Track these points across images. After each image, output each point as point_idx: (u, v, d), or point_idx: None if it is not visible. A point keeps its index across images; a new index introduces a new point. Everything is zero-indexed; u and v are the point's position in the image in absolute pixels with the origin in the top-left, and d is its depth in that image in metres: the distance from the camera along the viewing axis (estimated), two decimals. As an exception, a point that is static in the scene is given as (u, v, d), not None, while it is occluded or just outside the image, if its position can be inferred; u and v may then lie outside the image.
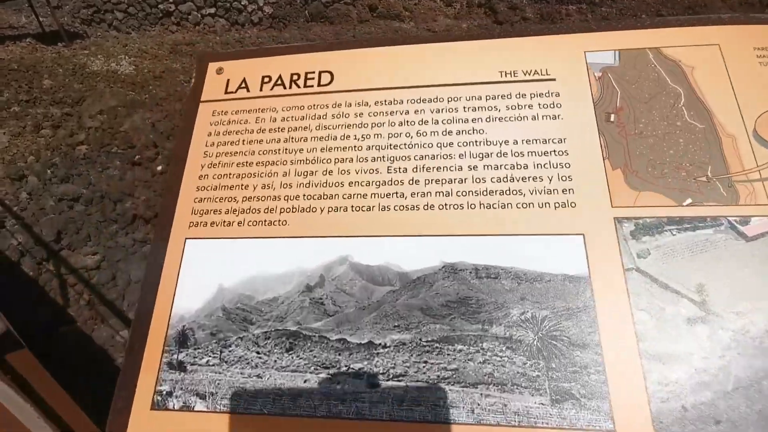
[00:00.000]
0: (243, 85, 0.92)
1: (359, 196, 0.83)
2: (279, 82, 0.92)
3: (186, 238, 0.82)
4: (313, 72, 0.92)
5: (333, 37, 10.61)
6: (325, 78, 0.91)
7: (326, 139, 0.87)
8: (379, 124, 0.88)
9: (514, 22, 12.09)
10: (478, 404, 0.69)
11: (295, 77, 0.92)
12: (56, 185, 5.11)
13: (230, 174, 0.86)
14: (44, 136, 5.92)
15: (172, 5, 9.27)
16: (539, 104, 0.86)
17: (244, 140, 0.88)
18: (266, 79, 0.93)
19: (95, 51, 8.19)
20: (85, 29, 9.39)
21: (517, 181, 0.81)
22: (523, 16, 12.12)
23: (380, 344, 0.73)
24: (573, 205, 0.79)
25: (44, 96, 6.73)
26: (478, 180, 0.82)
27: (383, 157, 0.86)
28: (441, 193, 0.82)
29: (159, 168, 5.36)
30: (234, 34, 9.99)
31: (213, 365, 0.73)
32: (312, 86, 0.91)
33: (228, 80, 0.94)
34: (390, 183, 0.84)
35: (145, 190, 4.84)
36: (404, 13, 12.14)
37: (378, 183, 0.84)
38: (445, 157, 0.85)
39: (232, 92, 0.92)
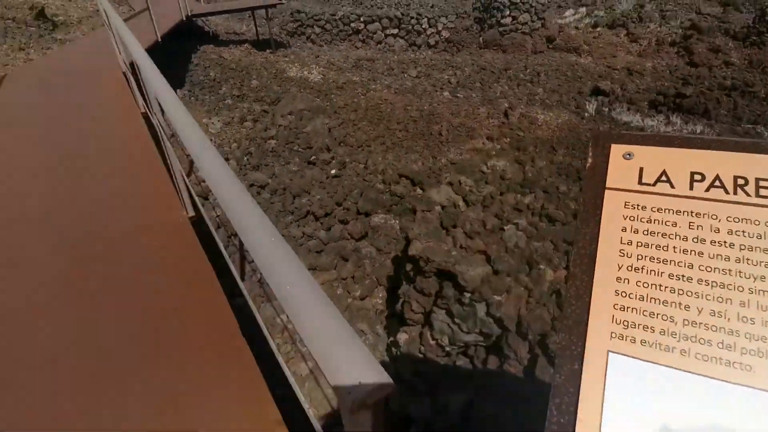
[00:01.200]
0: (664, 178, 0.74)
1: None
2: (717, 183, 0.71)
3: (609, 351, 0.67)
4: (766, 179, 0.71)
5: (503, 64, 10.37)
6: (787, 190, 0.69)
7: (798, 273, 0.64)
8: None
9: (713, 66, 10.44)
10: None
11: (740, 181, 0.71)
12: (250, 172, 5.78)
13: (660, 285, 0.68)
14: (246, 127, 6.79)
15: (362, 24, 10.01)
16: None
17: (675, 247, 0.69)
18: (697, 177, 0.73)
19: (293, 59, 9.21)
20: (288, 40, 10.66)
21: None
22: (726, 60, 10.40)
23: None
24: None
25: (250, 93, 7.74)
26: None
27: None
28: None
29: (333, 172, 5.71)
30: (410, 54, 10.41)
31: None
32: (767, 197, 0.69)
33: (641, 169, 0.77)
34: None
35: (320, 190, 5.17)
36: (583, 47, 11.33)
37: None
38: None
39: (648, 184, 0.75)
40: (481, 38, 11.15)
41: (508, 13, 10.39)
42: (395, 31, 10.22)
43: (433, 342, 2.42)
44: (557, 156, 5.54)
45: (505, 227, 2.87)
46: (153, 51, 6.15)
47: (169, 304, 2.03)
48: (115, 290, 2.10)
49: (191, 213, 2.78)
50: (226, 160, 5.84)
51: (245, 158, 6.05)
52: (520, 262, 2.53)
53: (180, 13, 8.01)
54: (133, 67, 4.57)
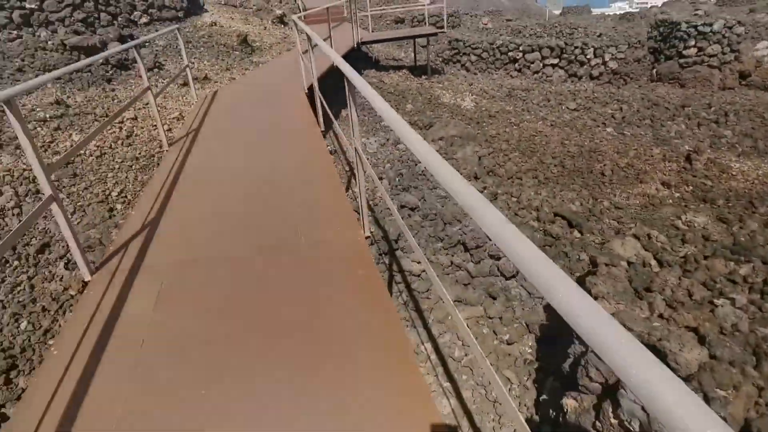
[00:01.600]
0: None
1: None
2: None
3: None
4: None
5: (680, 100, 9.10)
6: None
7: None
8: None
9: None
10: None
11: None
12: (401, 192, 5.94)
13: None
14: (399, 149, 7.03)
15: (520, 54, 9.73)
16: None
17: None
18: None
19: (447, 86, 9.36)
20: (443, 67, 10.90)
21: None
22: None
23: None
24: None
25: (405, 117, 8.04)
26: None
27: None
28: None
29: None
30: (569, 85, 9.79)
31: None
32: None
33: None
34: None
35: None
36: (790, 86, 9.42)
37: None
38: None
39: None
40: (654, 70, 9.99)
41: (693, 43, 9.13)
42: (555, 61, 9.71)
43: (615, 421, 2.06)
44: (758, 214, 4.55)
45: (717, 301, 2.34)
46: (331, 74, 6.75)
47: (349, 320, 2.06)
48: (302, 298, 2.22)
49: (367, 233, 2.86)
50: (381, 179, 6.06)
51: (397, 179, 6.22)
52: (743, 350, 2.01)
53: (352, 40, 8.72)
54: (342, 80, 4.99)
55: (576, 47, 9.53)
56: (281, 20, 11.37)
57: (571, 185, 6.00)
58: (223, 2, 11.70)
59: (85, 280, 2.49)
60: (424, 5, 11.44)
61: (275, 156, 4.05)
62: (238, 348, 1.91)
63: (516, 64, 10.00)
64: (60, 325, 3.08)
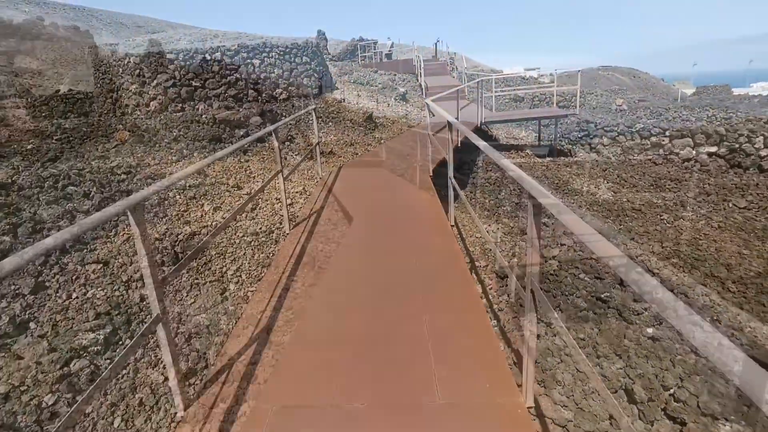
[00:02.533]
0: None
1: None
2: None
3: None
4: None
5: None
6: None
7: None
8: None
9: None
10: None
11: None
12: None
13: None
14: (522, 244, 6.15)
15: (665, 138, 8.40)
16: None
17: None
18: None
19: (576, 170, 8.34)
20: (570, 148, 9.95)
21: None
22: None
23: None
24: None
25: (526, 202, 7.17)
26: None
27: None
28: None
29: (649, 331, 4.29)
30: (732, 176, 8.12)
31: None
32: None
33: None
34: None
35: (639, 359, 3.75)
36: None
37: None
38: None
39: None
40: None
41: None
42: (713, 149, 8.18)
43: None
44: None
45: None
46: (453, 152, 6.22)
47: None
48: None
49: (530, 402, 2.00)
50: (506, 277, 5.14)
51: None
52: None
53: (477, 120, 8.29)
54: (465, 158, 4.36)
55: (741, 134, 7.95)
56: (403, 98, 11.54)
57: (767, 314, 4.47)
58: (352, 81, 12.36)
59: (178, 415, 1.98)
60: (551, 86, 10.82)
61: (401, 257, 3.44)
62: None
63: (661, 150, 8.64)
64: (151, 428, 2.67)
